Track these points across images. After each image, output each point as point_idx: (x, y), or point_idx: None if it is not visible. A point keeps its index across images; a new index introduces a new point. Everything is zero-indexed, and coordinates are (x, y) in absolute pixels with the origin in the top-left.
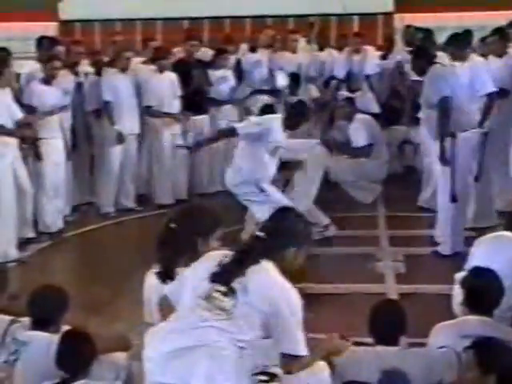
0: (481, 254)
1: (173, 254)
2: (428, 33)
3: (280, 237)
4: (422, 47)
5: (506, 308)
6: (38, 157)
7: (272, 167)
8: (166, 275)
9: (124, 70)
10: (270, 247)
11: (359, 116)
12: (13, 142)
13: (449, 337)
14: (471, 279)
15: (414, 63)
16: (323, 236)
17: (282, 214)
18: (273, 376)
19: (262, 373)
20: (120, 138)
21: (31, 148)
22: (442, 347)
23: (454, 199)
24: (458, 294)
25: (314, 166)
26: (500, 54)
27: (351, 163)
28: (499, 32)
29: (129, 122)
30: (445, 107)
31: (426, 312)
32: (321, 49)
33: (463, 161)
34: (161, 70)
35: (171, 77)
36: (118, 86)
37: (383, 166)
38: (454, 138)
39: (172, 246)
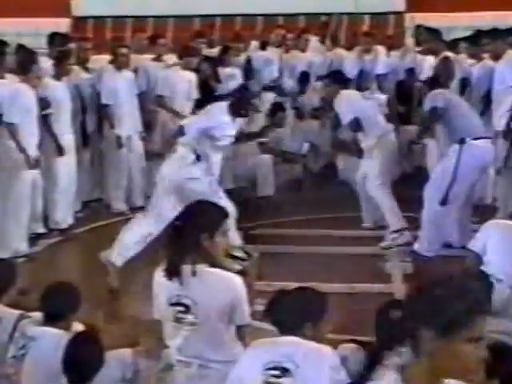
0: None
1: (178, 252)
2: (436, 34)
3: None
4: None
5: None
6: (60, 152)
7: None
8: (172, 272)
9: (121, 67)
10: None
11: None
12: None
13: None
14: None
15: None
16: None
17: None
18: (284, 370)
19: (275, 368)
20: (119, 143)
21: (53, 143)
22: None
23: (443, 202)
24: None
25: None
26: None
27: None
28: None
29: (129, 121)
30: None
31: None
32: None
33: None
34: (186, 67)
35: (190, 76)
36: (116, 86)
37: (394, 165)
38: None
39: (177, 244)
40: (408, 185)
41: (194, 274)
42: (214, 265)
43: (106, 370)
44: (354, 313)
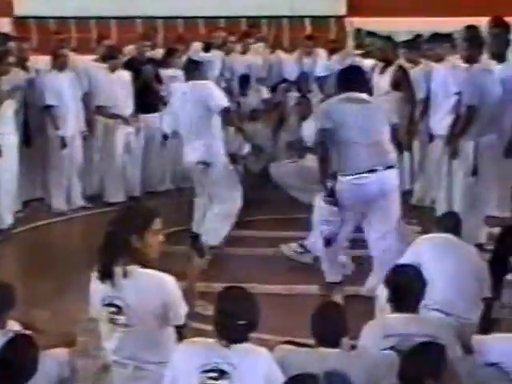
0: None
1: (109, 254)
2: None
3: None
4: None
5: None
6: None
7: None
8: (104, 275)
9: (62, 68)
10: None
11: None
12: None
13: (373, 337)
14: (393, 276)
15: None
16: None
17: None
18: (222, 373)
19: (212, 370)
20: (63, 143)
21: None
22: (385, 349)
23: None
24: (381, 294)
25: None
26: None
27: (295, 166)
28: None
29: (74, 121)
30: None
31: (370, 314)
32: (272, 51)
33: None
34: (112, 69)
35: (124, 76)
36: (59, 87)
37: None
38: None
39: (108, 247)
40: None
41: (125, 275)
42: (146, 265)
43: (43, 370)
44: (291, 314)
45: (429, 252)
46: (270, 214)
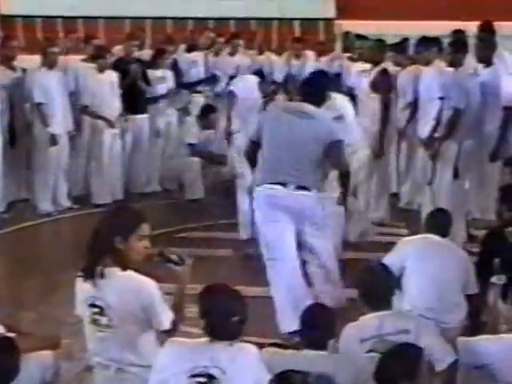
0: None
1: (94, 254)
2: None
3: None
4: None
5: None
6: None
7: None
8: (87, 274)
9: (52, 66)
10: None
11: None
12: None
13: (350, 344)
14: (361, 277)
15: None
16: None
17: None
18: (210, 377)
19: (200, 375)
20: (53, 141)
21: None
22: (370, 351)
23: None
24: None
25: None
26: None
27: None
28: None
29: (61, 120)
30: None
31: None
32: (260, 52)
33: None
34: (100, 69)
35: (111, 76)
36: (48, 85)
37: None
38: None
39: (93, 246)
40: None
41: (102, 276)
42: (127, 268)
43: (26, 373)
44: (275, 317)
45: (411, 255)
46: None
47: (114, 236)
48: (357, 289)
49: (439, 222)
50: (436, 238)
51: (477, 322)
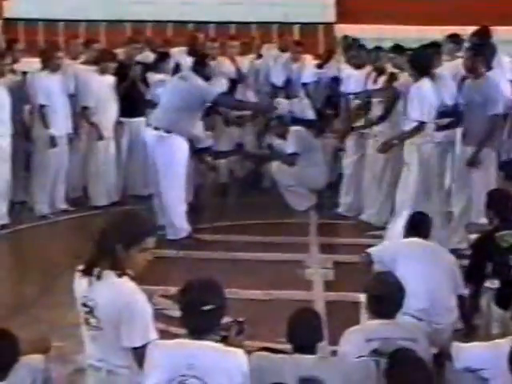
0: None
1: (95, 254)
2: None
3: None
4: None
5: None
6: None
7: None
8: (85, 272)
9: (55, 70)
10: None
11: (292, 128)
12: None
13: (355, 342)
14: (374, 284)
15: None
16: None
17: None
18: None
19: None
20: (53, 142)
21: None
22: (360, 356)
23: None
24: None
25: None
26: None
27: (298, 169)
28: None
29: (61, 123)
30: None
31: (353, 319)
32: (259, 56)
33: None
34: (102, 71)
35: (110, 80)
36: (50, 88)
37: (323, 173)
38: None
39: (96, 246)
40: (332, 192)
41: (98, 278)
42: (124, 274)
43: (16, 377)
44: (268, 320)
45: (400, 257)
46: (256, 218)
47: (117, 242)
48: (367, 295)
49: (420, 225)
50: (422, 241)
51: (469, 324)
